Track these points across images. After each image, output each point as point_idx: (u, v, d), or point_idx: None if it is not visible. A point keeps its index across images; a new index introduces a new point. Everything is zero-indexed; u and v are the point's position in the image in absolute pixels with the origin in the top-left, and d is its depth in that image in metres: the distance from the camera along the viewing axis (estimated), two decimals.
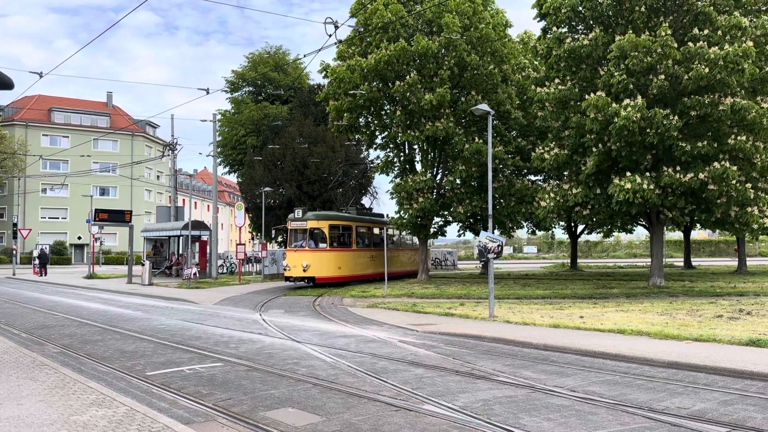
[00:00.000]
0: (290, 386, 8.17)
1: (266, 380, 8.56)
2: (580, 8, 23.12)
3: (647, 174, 21.02)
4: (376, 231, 31.72)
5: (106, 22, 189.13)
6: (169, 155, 40.32)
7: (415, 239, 33.85)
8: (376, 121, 30.21)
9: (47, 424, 6.04)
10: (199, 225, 35.20)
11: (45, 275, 39.31)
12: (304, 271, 25.75)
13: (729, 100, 20.50)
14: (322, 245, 26.55)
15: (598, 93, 20.85)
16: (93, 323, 15.39)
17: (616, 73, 20.71)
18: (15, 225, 44.58)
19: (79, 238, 68.02)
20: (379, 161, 31.72)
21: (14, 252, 46.88)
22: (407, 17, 26.92)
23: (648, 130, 20.46)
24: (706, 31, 21.10)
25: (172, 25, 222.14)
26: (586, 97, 21.16)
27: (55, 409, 6.61)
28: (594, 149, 21.66)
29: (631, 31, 20.91)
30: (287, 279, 27.03)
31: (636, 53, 20.32)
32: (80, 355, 10.65)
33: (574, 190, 22.57)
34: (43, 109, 71.28)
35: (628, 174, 20.77)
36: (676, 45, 20.53)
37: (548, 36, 24.14)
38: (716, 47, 20.43)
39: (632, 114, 19.75)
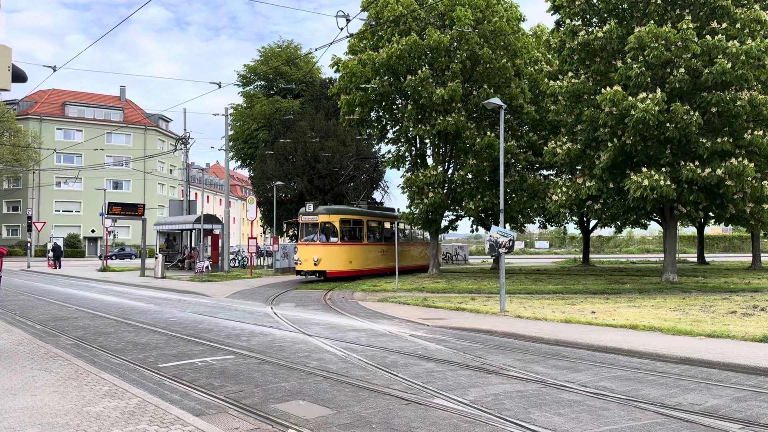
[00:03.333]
0: (301, 379, 8.20)
1: (277, 373, 8.59)
2: (594, 0, 22.90)
3: (663, 169, 20.83)
4: (387, 225, 31.69)
5: (117, 17, 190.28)
6: (181, 149, 40.54)
7: (426, 234, 33.80)
8: (387, 116, 30.17)
9: (61, 415, 6.10)
10: (211, 219, 35.37)
11: (59, 268, 39.69)
12: (315, 265, 25.83)
13: (747, 94, 20.26)
14: (333, 239, 26.59)
15: (615, 87, 20.62)
16: (106, 315, 15.52)
17: (635, 65, 20.46)
18: (29, 218, 44.97)
19: (93, 231, 68.60)
20: (390, 156, 31.71)
21: (29, 244, 47.36)
22: (419, 10, 26.81)
23: (668, 125, 20.22)
24: (724, 25, 20.83)
25: (182, 21, 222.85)
26: (602, 91, 20.95)
27: (68, 400, 6.67)
28: (609, 144, 21.46)
29: (652, 22, 20.64)
30: (298, 273, 27.12)
31: (656, 44, 20.07)
32: (93, 347, 10.75)
33: (588, 184, 22.39)
34: (57, 103, 71.84)
35: (644, 169, 20.57)
36: (696, 39, 20.28)
37: (561, 29, 23.95)
38: (735, 41, 20.18)
39: (651, 107, 19.53)
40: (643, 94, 20.10)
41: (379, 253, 29.90)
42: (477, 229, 35.65)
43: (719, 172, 20.20)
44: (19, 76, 6.14)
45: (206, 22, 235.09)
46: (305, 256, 26.23)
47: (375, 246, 29.71)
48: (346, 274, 27.15)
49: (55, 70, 18.40)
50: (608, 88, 20.75)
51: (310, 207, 26.81)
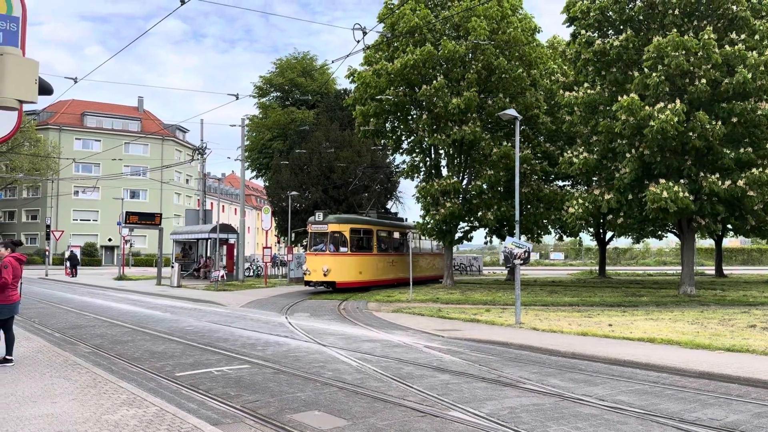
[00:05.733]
0: (316, 389, 8.21)
1: (293, 383, 8.61)
2: (610, 12, 22.88)
3: (681, 181, 20.66)
4: (396, 235, 31.26)
5: (135, 29, 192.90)
6: (198, 159, 40.90)
7: (435, 244, 33.71)
8: (402, 126, 30.25)
9: (80, 423, 6.16)
10: (226, 228, 35.59)
11: (75, 276, 40.08)
12: (325, 275, 25.31)
13: (766, 105, 20.11)
14: (342, 249, 26.12)
15: (631, 95, 20.53)
16: (123, 324, 15.65)
17: (654, 75, 20.35)
18: (48, 227, 45.55)
19: (110, 240, 69.27)
20: (404, 166, 31.75)
21: (47, 253, 47.90)
22: (435, 22, 26.94)
23: (691, 134, 20.04)
24: (743, 36, 20.72)
25: (199, 33, 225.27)
26: (619, 99, 20.86)
27: (87, 408, 6.74)
28: (627, 155, 21.32)
29: (675, 30, 20.53)
30: (307, 283, 26.59)
31: (676, 54, 19.96)
32: (111, 355, 10.84)
33: (606, 196, 22.18)
34: (76, 114, 72.81)
35: (662, 181, 20.39)
36: (717, 49, 20.17)
37: (577, 40, 23.94)
38: (754, 52, 20.06)
39: (671, 118, 19.39)
40: (661, 104, 19.98)
41: (388, 263, 29.42)
42: (491, 241, 35.49)
43: (741, 183, 20.00)
44: (45, 89, 6.26)
45: (222, 35, 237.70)
46: (314, 266, 25.71)
47: (385, 256, 29.27)
48: (356, 285, 26.68)
49: (76, 82, 18.70)
50: (625, 97, 20.64)
51: (319, 216, 26.34)
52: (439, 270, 35.34)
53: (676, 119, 19.46)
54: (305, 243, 40.51)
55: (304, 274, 26.68)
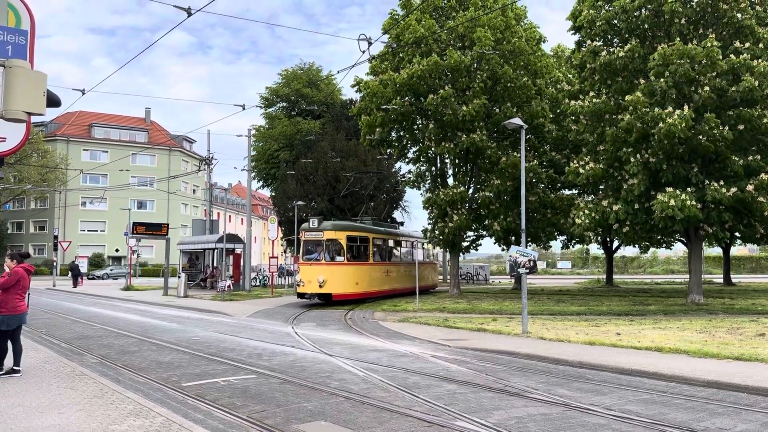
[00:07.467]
0: (323, 399, 8.20)
1: (299, 393, 8.60)
2: (615, 21, 22.91)
3: (688, 189, 20.59)
4: (391, 243, 30.00)
5: (141, 41, 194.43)
6: (205, 169, 41.09)
7: (431, 252, 33.53)
8: (407, 136, 30.32)
9: None
10: (233, 238, 35.67)
11: (75, 287, 40.20)
12: (321, 286, 23.47)
13: None
14: (338, 258, 24.37)
15: (637, 94, 20.49)
16: (130, 334, 15.69)
17: (661, 80, 20.32)
18: (56, 237, 45.77)
19: (117, 250, 69.47)
20: (410, 175, 31.78)
21: (54, 264, 48.10)
22: (440, 32, 27.06)
23: (700, 137, 19.98)
24: (748, 44, 20.71)
25: (205, 45, 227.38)
26: (627, 97, 20.85)
27: (94, 418, 6.75)
28: (632, 159, 21.25)
29: (678, 39, 20.55)
30: (300, 296, 24.49)
31: (681, 61, 19.95)
32: (118, 366, 10.86)
33: (614, 207, 22.06)
34: (84, 125, 73.30)
35: (669, 189, 20.32)
36: (721, 57, 20.16)
37: (583, 49, 23.96)
38: (759, 60, 20.05)
39: (678, 121, 19.34)
40: (669, 109, 19.94)
41: (384, 273, 27.90)
42: (506, 248, 35.50)
43: (750, 188, 19.92)
44: (53, 101, 6.33)
45: (228, 46, 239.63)
46: (309, 277, 23.69)
47: (381, 266, 27.76)
48: (353, 297, 24.90)
49: (84, 93, 18.84)
50: (633, 95, 20.60)
51: (313, 222, 24.46)
52: (431, 280, 34.57)
53: (683, 124, 19.41)
54: None
55: (298, 285, 24.82)
